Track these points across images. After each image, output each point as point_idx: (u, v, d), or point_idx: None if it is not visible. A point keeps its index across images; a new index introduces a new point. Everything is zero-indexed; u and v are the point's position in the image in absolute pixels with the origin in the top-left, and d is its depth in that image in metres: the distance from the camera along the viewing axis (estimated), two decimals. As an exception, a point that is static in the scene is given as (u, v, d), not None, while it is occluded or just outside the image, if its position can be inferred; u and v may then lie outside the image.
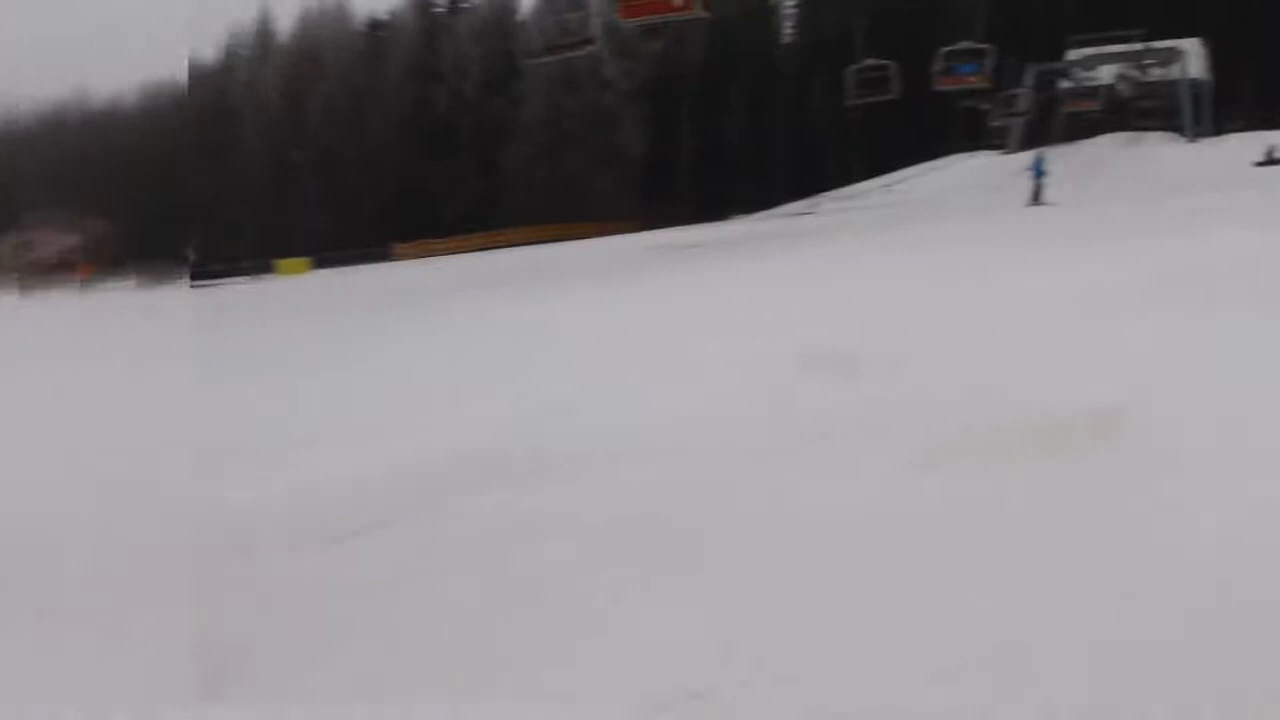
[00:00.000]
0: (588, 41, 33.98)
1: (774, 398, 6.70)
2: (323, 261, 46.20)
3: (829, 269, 14.39)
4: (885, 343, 7.99)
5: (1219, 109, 51.73)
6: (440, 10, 72.28)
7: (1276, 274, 9.61)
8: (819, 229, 25.91)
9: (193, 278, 37.18)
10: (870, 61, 45.55)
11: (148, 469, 5.83)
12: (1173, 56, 46.00)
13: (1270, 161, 34.78)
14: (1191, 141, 44.03)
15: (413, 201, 61.65)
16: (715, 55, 63.92)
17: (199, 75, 67.26)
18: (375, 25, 72.54)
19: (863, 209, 37.92)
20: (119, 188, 39.91)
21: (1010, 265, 12.19)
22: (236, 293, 32.81)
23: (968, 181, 41.44)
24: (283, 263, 46.39)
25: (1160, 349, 6.92)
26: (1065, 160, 38.11)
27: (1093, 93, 46.30)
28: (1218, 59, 53.17)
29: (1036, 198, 26.29)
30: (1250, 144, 38.30)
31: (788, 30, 70.43)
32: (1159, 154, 40.94)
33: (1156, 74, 46.88)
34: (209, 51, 70.54)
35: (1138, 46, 45.78)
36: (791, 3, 69.77)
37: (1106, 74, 46.72)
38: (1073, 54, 48.17)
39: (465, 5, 72.06)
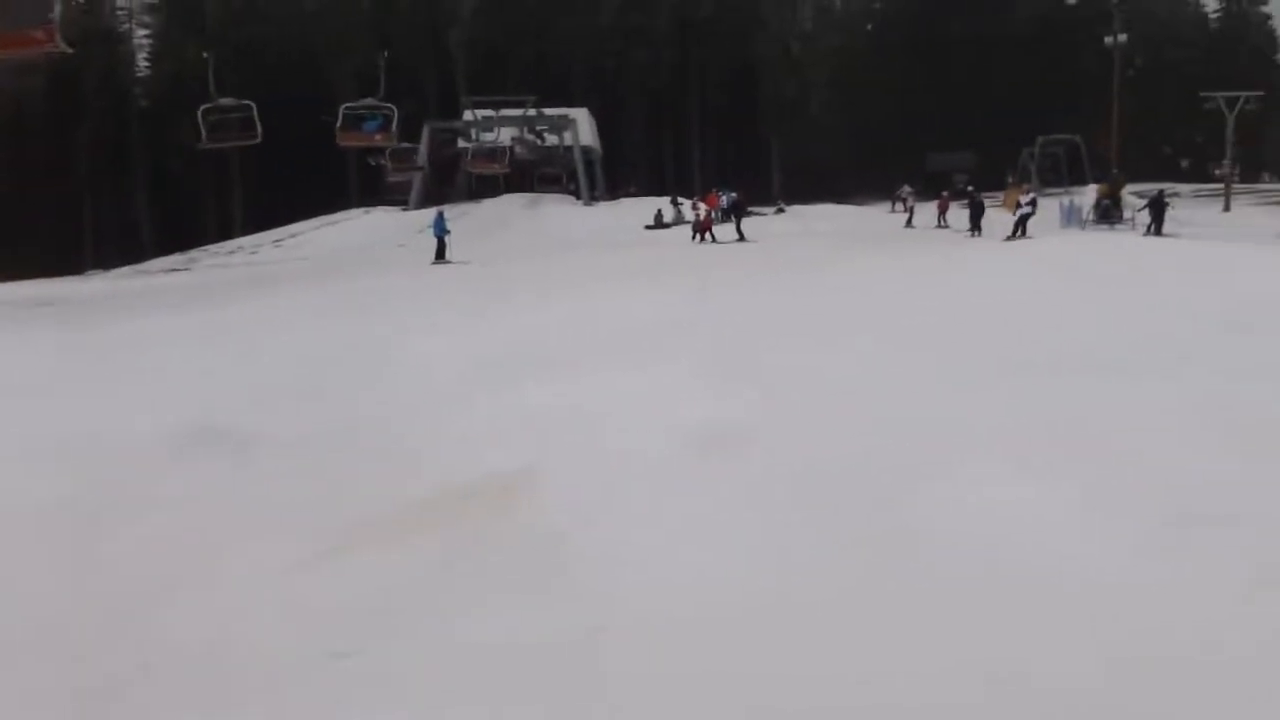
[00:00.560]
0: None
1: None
2: None
3: (207, 335, 13.73)
4: (274, 419, 7.77)
5: (612, 175, 59.48)
6: None
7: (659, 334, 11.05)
8: (189, 289, 24.65)
9: None
10: (226, 101, 44.03)
11: None
12: (564, 124, 51.70)
13: (659, 225, 40.45)
14: (587, 205, 49.54)
15: None
16: (59, 88, 58.87)
17: None
18: None
19: (248, 265, 36.92)
20: None
21: (424, 326, 12.59)
22: None
23: (368, 238, 42.36)
24: None
25: (559, 410, 7.58)
26: (469, 218, 40.75)
27: (498, 154, 50.01)
28: (605, 129, 61.43)
29: (440, 255, 27.57)
30: (641, 208, 44.32)
31: (142, 62, 67.47)
32: (558, 215, 45.47)
33: (551, 140, 52.14)
34: None
35: (531, 112, 50.57)
36: (144, 31, 67.07)
37: (504, 136, 50.82)
38: (468, 115, 51.84)
39: None
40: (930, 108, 75.60)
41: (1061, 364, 9.05)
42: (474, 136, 51.67)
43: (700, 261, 22.33)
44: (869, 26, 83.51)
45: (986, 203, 31.23)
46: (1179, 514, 5.29)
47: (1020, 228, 24.72)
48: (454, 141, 53.34)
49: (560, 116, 52.34)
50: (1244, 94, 43.21)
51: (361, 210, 51.70)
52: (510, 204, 48.52)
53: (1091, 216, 30.66)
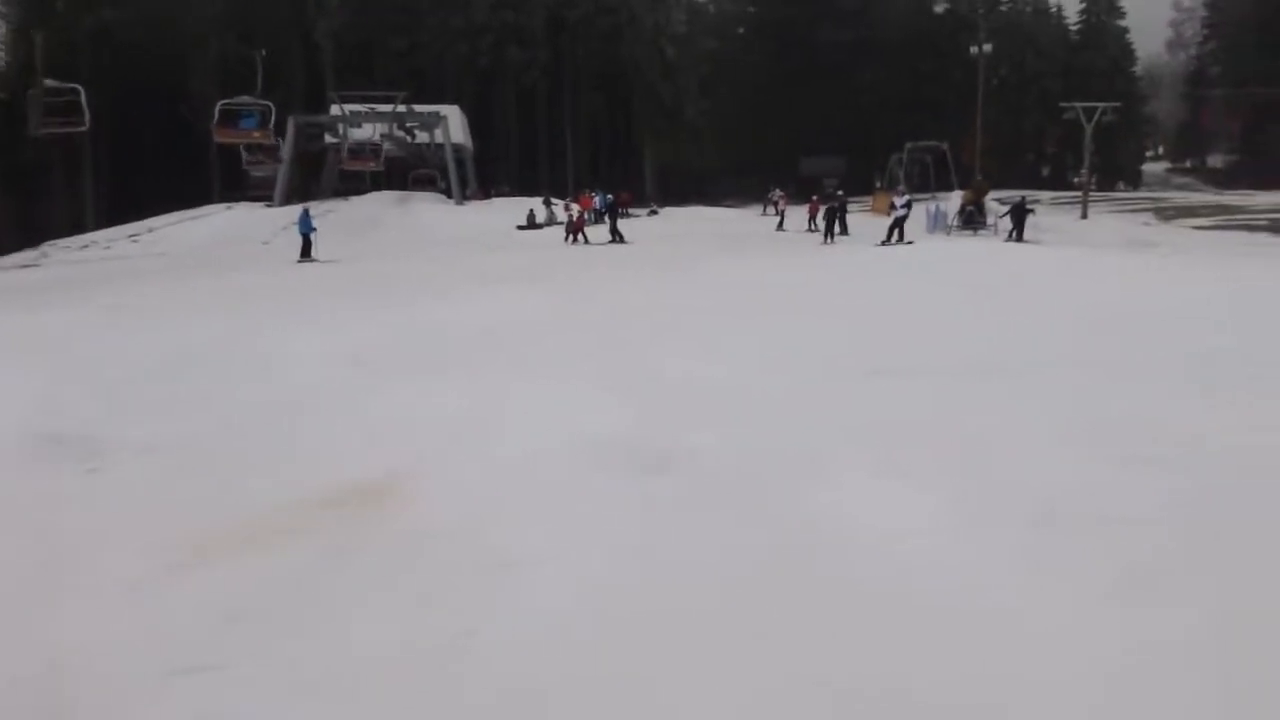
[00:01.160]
0: None
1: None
2: None
3: (53, 336, 13.13)
4: (125, 425, 7.44)
5: (484, 173, 59.01)
6: None
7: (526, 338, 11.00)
8: (37, 286, 23.50)
9: None
10: (51, 84, 42.36)
11: None
12: (435, 121, 50.95)
13: (531, 226, 40.33)
14: (459, 204, 49.02)
15: None
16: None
17: None
18: None
19: (102, 261, 35.42)
20: None
21: (288, 325, 12.25)
22: None
23: (230, 234, 41.05)
24: None
25: (428, 414, 7.45)
26: (336, 216, 39.91)
27: (373, 152, 48.97)
28: (478, 127, 60.95)
29: (306, 253, 26.97)
30: (514, 208, 44.14)
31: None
32: (428, 214, 44.87)
33: (422, 137, 51.40)
34: None
35: (401, 108, 49.81)
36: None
37: (372, 132, 49.88)
38: (336, 109, 50.80)
39: None
40: (802, 112, 77.25)
41: (932, 366, 9.30)
42: (341, 132, 50.64)
43: (573, 262, 22.33)
44: (740, 30, 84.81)
45: (851, 206, 32.01)
46: (1044, 514, 5.45)
47: (896, 231, 25.07)
48: (320, 136, 52.18)
49: (431, 113, 51.60)
50: (1101, 105, 45.14)
51: (224, 205, 50.04)
52: (379, 202, 47.68)
53: (956, 222, 31.59)
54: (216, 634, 4.26)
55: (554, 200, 45.67)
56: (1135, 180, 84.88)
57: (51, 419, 7.45)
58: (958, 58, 72.34)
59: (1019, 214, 27.05)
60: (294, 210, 33.74)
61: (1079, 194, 49.46)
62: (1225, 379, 8.48)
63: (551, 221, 41.25)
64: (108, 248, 41.23)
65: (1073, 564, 4.78)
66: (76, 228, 52.22)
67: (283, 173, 49.51)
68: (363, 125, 50.17)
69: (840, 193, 33.37)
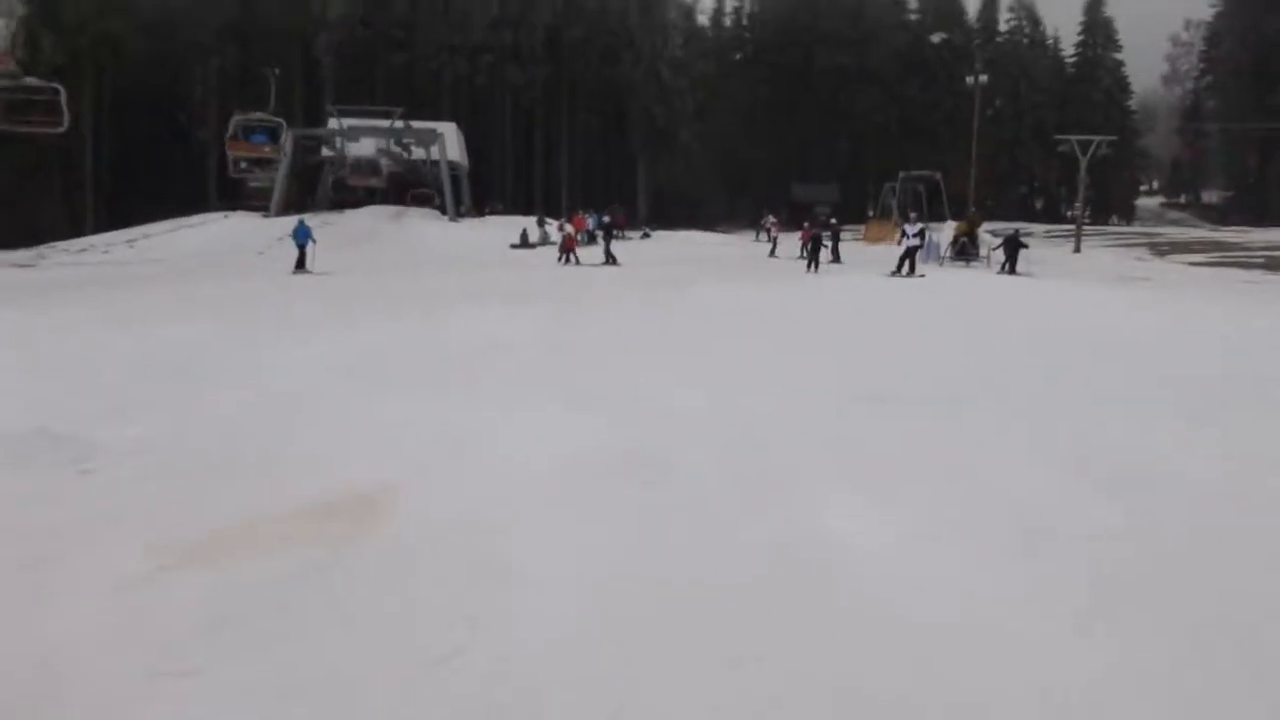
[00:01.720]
0: None
1: None
2: None
3: (49, 335, 13.17)
4: (116, 426, 7.48)
5: (479, 191, 59.24)
6: None
7: (532, 358, 11.06)
8: (33, 286, 23.50)
9: None
10: (31, 81, 41.16)
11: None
12: (431, 138, 51.14)
13: (524, 245, 40.47)
14: (453, 220, 49.13)
15: None
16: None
17: None
18: None
19: (99, 264, 35.41)
20: None
21: (279, 334, 12.31)
22: None
23: (225, 243, 41.12)
24: None
25: (421, 427, 7.51)
26: (332, 229, 39.95)
27: (376, 168, 48.99)
28: (474, 145, 61.22)
29: (301, 264, 27.06)
30: (508, 226, 44.26)
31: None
32: (422, 230, 44.97)
33: (418, 153, 51.56)
34: None
35: (398, 124, 49.98)
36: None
37: (369, 147, 50.06)
38: (334, 123, 50.98)
39: None
40: (795, 139, 77.65)
41: (923, 394, 9.38)
42: (339, 145, 50.85)
43: (566, 282, 22.42)
44: (737, 56, 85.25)
45: (844, 234, 32.05)
46: (1023, 535, 5.53)
47: (907, 262, 24.49)
48: (317, 149, 52.38)
49: (428, 130, 51.85)
50: (1097, 138, 45.37)
51: (220, 214, 50.21)
52: (374, 216, 47.74)
53: (949, 253, 31.72)
54: (201, 638, 4.29)
55: (548, 220, 45.87)
56: (1129, 215, 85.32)
57: (46, 417, 7.47)
58: (952, 88, 72.94)
59: (1012, 246, 27.10)
60: (290, 221, 33.80)
61: (1072, 227, 49.70)
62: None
63: (545, 241, 41.44)
64: (105, 252, 41.31)
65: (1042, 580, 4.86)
66: (75, 231, 52.38)
67: (279, 184, 49.72)
68: (360, 140, 50.37)
69: (833, 220, 33.53)
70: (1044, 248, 41.85)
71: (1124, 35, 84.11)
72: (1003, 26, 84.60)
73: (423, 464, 6.70)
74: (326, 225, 40.00)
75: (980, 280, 23.50)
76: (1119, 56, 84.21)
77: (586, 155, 74.52)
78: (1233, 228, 63.15)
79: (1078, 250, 42.75)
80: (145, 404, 8.32)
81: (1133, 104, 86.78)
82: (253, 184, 51.88)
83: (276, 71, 48.04)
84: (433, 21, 69.59)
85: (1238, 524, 5.84)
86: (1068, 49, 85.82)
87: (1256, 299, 20.77)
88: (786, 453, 7.21)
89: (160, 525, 5.45)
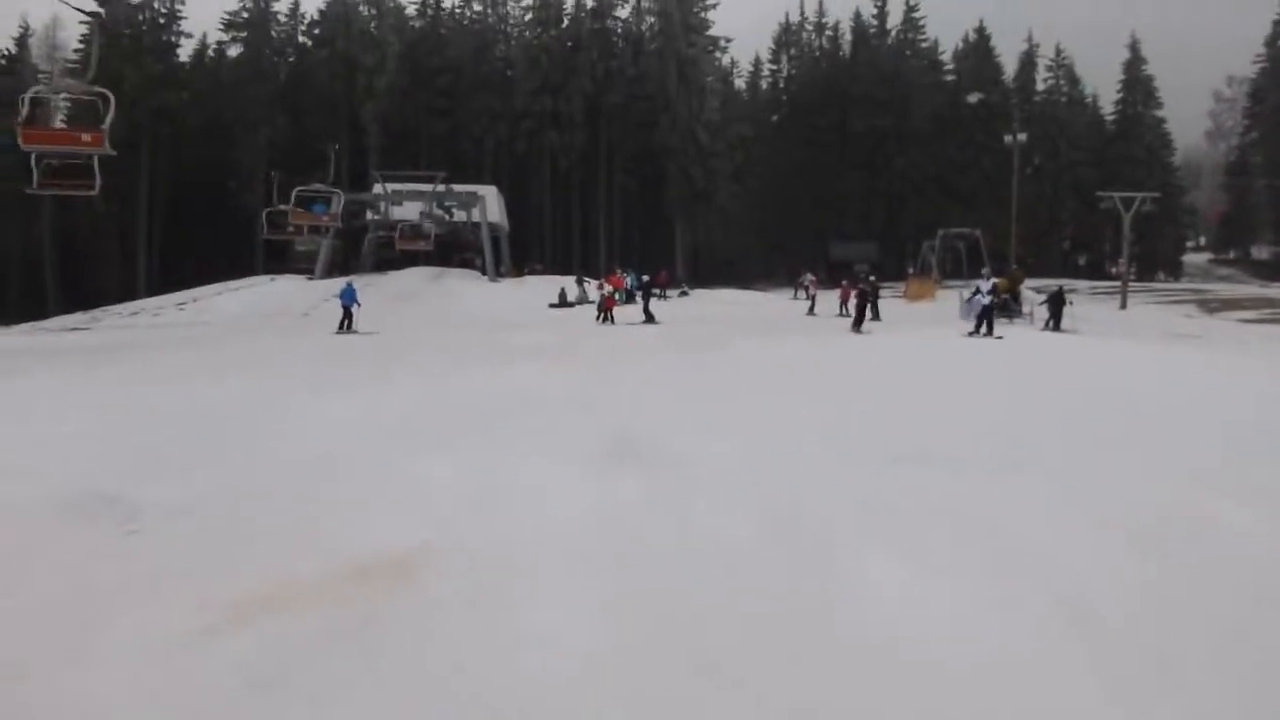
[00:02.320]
0: None
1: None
2: None
3: (100, 396, 13.37)
4: (163, 485, 7.55)
5: (518, 252, 59.90)
6: None
7: (570, 409, 11.07)
8: (87, 348, 23.95)
9: None
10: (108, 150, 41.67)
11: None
12: (472, 200, 51.97)
13: (563, 304, 40.85)
14: (493, 281, 49.69)
15: None
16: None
17: None
18: None
19: (150, 327, 36.09)
20: None
21: (322, 392, 12.44)
22: None
23: (272, 305, 41.87)
24: None
25: (458, 485, 7.53)
26: (374, 290, 40.62)
27: (424, 232, 49.80)
28: (514, 207, 62.01)
29: (346, 325, 27.42)
30: (547, 286, 44.72)
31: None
32: (463, 290, 45.55)
33: (460, 215, 52.28)
34: None
35: (441, 188, 50.81)
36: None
37: (412, 211, 50.83)
38: (378, 188, 51.88)
39: None
40: (833, 198, 77.80)
41: (972, 457, 9.26)
42: (383, 209, 51.71)
43: (604, 340, 22.50)
44: (774, 118, 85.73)
45: (884, 292, 31.82)
46: (1071, 609, 5.43)
47: (985, 322, 23.54)
48: (362, 213, 53.27)
49: (469, 193, 52.67)
50: (1139, 194, 45.15)
51: (267, 277, 51.23)
52: (416, 277, 48.45)
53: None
54: (245, 697, 4.29)
55: (586, 279, 46.26)
56: (1176, 271, 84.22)
57: (95, 478, 7.56)
58: (989, 146, 72.80)
59: (1056, 303, 26.85)
60: (335, 284, 34.32)
61: (1118, 284, 49.28)
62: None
63: (583, 300, 41.76)
64: (156, 314, 42.23)
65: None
66: (128, 295, 53.63)
67: (325, 247, 50.67)
68: (403, 204, 51.15)
69: (873, 278, 33.45)
70: (1089, 305, 41.43)
71: (1164, 93, 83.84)
72: (1040, 85, 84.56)
73: (455, 522, 6.70)
74: (370, 286, 40.64)
75: (1025, 338, 23.21)
76: (1160, 114, 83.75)
77: (624, 216, 75.03)
78: (1283, 283, 62.29)
79: (1124, 307, 42.35)
80: (189, 464, 8.38)
81: (1175, 160, 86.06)
82: (299, 248, 52.73)
83: (336, 146, 49.38)
84: (475, 90, 70.88)
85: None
86: (1107, 106, 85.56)
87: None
88: (826, 515, 7.14)
89: (201, 586, 5.48)
